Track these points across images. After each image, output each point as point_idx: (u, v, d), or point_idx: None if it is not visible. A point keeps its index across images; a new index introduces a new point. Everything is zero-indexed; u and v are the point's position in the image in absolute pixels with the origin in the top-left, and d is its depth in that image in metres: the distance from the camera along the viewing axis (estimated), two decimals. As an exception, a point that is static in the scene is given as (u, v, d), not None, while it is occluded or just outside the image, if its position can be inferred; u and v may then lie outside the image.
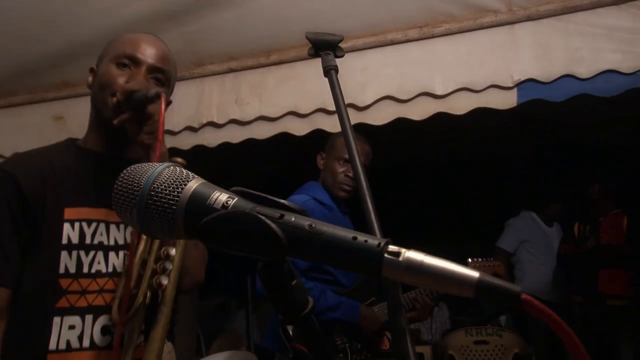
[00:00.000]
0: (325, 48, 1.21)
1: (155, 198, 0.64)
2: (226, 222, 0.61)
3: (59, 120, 3.17)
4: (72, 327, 1.35)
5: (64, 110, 3.16)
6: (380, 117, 2.65)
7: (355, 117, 2.68)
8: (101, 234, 1.42)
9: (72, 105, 3.15)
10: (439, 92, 2.52)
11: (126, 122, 1.37)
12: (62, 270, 1.36)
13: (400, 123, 2.62)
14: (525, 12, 2.41)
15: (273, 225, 0.60)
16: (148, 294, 1.32)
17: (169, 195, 0.64)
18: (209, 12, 2.68)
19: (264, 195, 0.64)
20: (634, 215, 4.17)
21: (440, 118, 2.54)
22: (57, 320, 1.34)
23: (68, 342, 1.34)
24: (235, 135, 2.84)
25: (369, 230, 0.88)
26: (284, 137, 2.80)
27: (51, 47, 2.90)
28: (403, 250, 0.57)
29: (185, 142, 2.95)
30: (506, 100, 2.45)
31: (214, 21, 2.72)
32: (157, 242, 1.34)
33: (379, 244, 0.58)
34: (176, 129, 2.95)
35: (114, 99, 1.39)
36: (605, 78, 2.32)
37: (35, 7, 2.70)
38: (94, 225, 1.41)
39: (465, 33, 2.51)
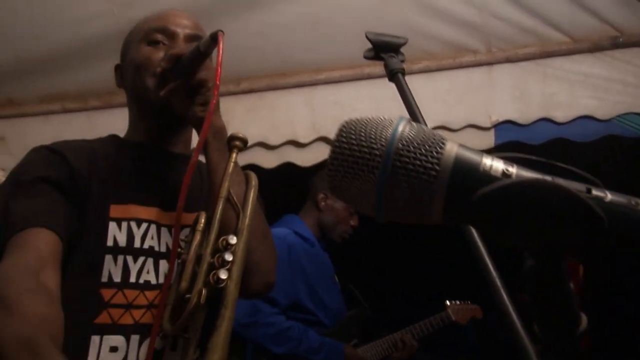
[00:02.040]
0: (388, 50, 1.10)
1: (407, 158, 0.47)
2: (517, 195, 0.44)
3: (0, 141, 2.91)
4: (114, 350, 1.09)
5: (7, 129, 2.90)
6: (353, 152, 2.57)
7: (327, 151, 2.57)
8: (152, 238, 1.18)
9: (17, 124, 2.90)
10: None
11: (174, 92, 1.16)
12: (104, 278, 1.11)
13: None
14: (504, 54, 2.42)
15: (591, 202, 0.43)
16: (204, 293, 1.02)
17: (426, 154, 0.47)
18: (177, 34, 2.55)
19: (546, 160, 0.48)
20: (587, 264, 4.20)
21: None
22: (95, 339, 1.08)
23: None
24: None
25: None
26: (252, 168, 2.67)
27: (-4, 61, 2.68)
28: None
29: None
30: (484, 141, 2.43)
31: (182, 45, 2.59)
32: (213, 234, 1.08)
33: None
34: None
35: (158, 70, 1.20)
36: (581, 123, 2.34)
37: (-18, 16, 2.49)
38: (144, 226, 1.17)
39: (444, 71, 2.48)
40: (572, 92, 2.36)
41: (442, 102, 2.48)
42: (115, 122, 2.78)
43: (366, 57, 1.14)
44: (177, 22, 1.28)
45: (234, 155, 1.18)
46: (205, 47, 1.10)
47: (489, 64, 2.44)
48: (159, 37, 1.26)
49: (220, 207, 1.09)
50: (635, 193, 0.46)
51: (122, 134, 2.72)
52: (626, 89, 2.30)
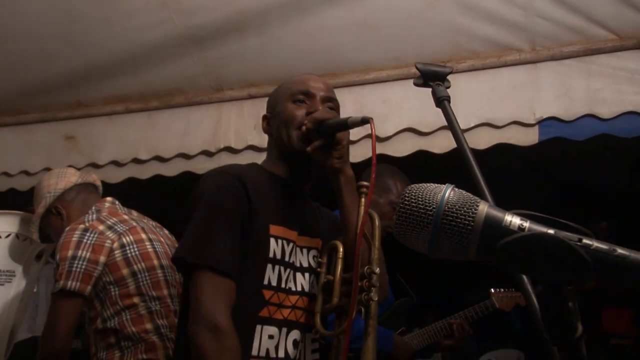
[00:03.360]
0: (435, 79, 1.23)
1: (451, 217, 0.67)
2: (528, 244, 0.63)
3: (70, 140, 3.13)
4: (271, 337, 1.44)
5: (76, 129, 3.13)
6: (400, 148, 2.67)
7: (376, 148, 2.69)
8: (294, 254, 1.52)
9: (84, 124, 3.13)
10: (461, 126, 2.54)
11: (317, 149, 1.46)
12: (266, 281, 1.44)
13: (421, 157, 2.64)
14: (549, 52, 2.46)
15: (580, 249, 0.61)
16: (362, 310, 1.40)
17: (464, 215, 0.67)
18: (232, 39, 2.69)
19: (552, 217, 0.66)
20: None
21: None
22: (258, 328, 1.42)
23: (267, 351, 1.43)
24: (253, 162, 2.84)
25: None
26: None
27: (68, 67, 2.89)
28: None
29: (201, 166, 2.93)
30: (528, 137, 2.49)
31: (236, 48, 2.73)
32: (359, 263, 1.38)
33: None
34: (191, 153, 2.94)
35: (303, 128, 1.49)
36: (626, 119, 2.36)
37: (54, 26, 2.70)
38: (291, 245, 1.51)
39: (489, 70, 2.55)
40: (617, 89, 2.38)
41: (487, 99, 2.55)
42: (173, 121, 3.01)
43: (416, 85, 1.29)
44: (316, 87, 1.60)
45: (362, 199, 1.50)
46: (352, 123, 1.42)
47: (533, 62, 2.49)
48: (302, 97, 1.58)
49: (358, 242, 1.39)
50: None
51: (179, 131, 2.89)
52: (671, 85, 2.32)
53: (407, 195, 0.71)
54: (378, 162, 2.67)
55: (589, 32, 2.40)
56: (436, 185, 0.71)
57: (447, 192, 0.69)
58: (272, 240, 1.46)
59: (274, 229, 1.47)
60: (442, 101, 1.21)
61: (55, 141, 3.14)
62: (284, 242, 1.49)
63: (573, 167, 3.88)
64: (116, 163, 3.05)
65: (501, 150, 2.56)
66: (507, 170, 3.65)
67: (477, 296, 2.94)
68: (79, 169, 3.02)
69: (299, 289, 1.51)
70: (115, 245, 2.03)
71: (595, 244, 0.62)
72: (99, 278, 1.99)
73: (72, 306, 1.96)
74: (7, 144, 3.20)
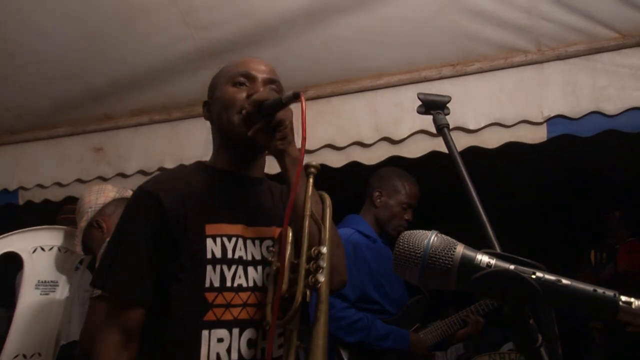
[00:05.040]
0: (435, 108, 1.34)
1: (434, 259, 0.85)
2: (493, 278, 0.81)
3: (99, 152, 3.29)
4: (220, 340, 1.38)
5: (104, 141, 3.29)
6: (414, 150, 2.77)
7: (390, 150, 2.81)
8: (240, 249, 1.45)
9: (112, 136, 3.28)
10: (471, 127, 2.64)
11: (258, 131, 1.41)
12: (207, 284, 1.39)
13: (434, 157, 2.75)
14: (554, 52, 2.55)
15: (532, 281, 0.79)
16: (308, 293, 1.29)
17: (444, 257, 0.85)
18: (249, 50, 2.81)
19: (513, 255, 0.84)
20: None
21: (472, 153, 2.65)
22: (205, 333, 1.37)
23: (218, 355, 1.37)
24: (270, 168, 2.95)
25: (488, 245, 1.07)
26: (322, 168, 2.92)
27: (94, 82, 3.04)
28: (633, 299, 0.76)
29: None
30: (536, 135, 2.58)
31: (253, 58, 2.85)
32: (305, 245, 1.34)
33: (615, 294, 0.76)
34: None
35: (243, 112, 1.44)
36: (631, 115, 2.45)
37: (81, 45, 2.83)
38: (233, 240, 1.45)
39: (497, 71, 2.64)
40: (622, 85, 2.46)
41: (495, 100, 2.64)
42: (195, 130, 3.16)
43: (419, 112, 1.38)
44: (257, 68, 1.54)
45: (311, 180, 1.43)
46: (287, 100, 1.36)
47: (540, 62, 2.57)
48: (242, 79, 1.52)
49: (305, 224, 1.36)
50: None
51: (201, 139, 3.01)
52: (674, 80, 2.39)
53: (400, 241, 0.89)
54: (390, 165, 2.81)
55: (592, 32, 2.48)
56: (424, 232, 0.89)
57: (432, 239, 0.88)
58: (209, 241, 1.41)
59: (210, 229, 1.42)
60: (441, 129, 1.32)
61: (84, 153, 3.30)
62: (224, 239, 1.43)
63: (583, 162, 3.95)
64: (143, 172, 3.20)
65: (512, 147, 2.65)
66: (519, 165, 3.73)
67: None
68: (107, 179, 3.19)
69: (251, 284, 1.44)
70: None
71: (545, 276, 0.80)
72: None
73: None
74: (40, 158, 3.38)
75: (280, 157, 1.43)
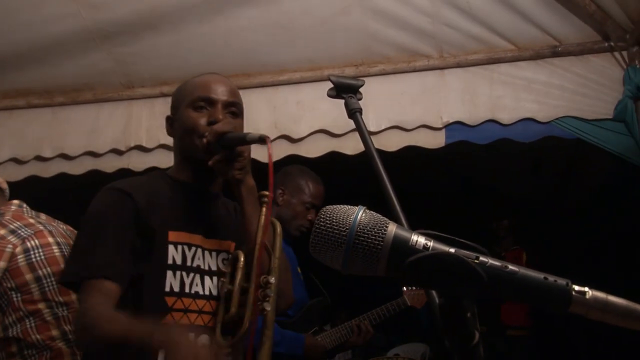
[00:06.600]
0: (348, 91, 1.26)
1: (362, 238, 0.70)
2: (431, 261, 0.68)
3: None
4: None
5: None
6: (313, 149, 2.71)
7: (288, 149, 2.73)
8: (199, 258, 1.52)
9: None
10: (371, 129, 2.61)
11: (218, 162, 1.47)
12: (167, 288, 1.45)
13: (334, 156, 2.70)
14: (455, 59, 2.59)
15: (476, 266, 0.67)
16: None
17: (374, 235, 0.71)
18: (145, 35, 2.64)
19: (454, 237, 0.71)
20: (530, 251, 4.52)
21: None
22: None
23: None
24: (165, 161, 2.77)
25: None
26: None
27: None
28: (587, 289, 0.67)
29: (110, 164, 2.85)
30: (435, 140, 2.60)
31: (149, 44, 2.68)
32: (255, 273, 1.42)
33: (567, 283, 0.67)
34: (100, 151, 2.85)
35: (204, 140, 1.49)
36: (524, 125, 2.53)
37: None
38: (193, 249, 1.52)
39: (399, 74, 2.64)
40: (516, 96, 2.54)
41: (397, 103, 2.64)
42: (80, 118, 2.90)
43: (329, 96, 1.32)
44: (217, 91, 1.57)
45: (264, 209, 1.50)
46: (251, 140, 1.43)
47: (441, 68, 2.61)
48: (202, 104, 1.55)
49: (257, 252, 1.44)
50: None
51: (86, 128, 2.79)
52: (564, 94, 2.49)
53: (322, 216, 0.74)
54: (289, 163, 2.73)
55: (491, 42, 2.55)
56: (349, 207, 0.74)
57: (359, 214, 0.73)
58: (171, 247, 1.48)
59: (173, 235, 1.49)
60: (354, 113, 1.26)
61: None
62: (185, 247, 1.50)
63: (478, 169, 4.08)
64: (16, 160, 2.90)
65: (411, 151, 2.66)
66: (417, 171, 3.79)
67: (389, 292, 3.03)
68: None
69: (207, 292, 1.52)
70: (18, 249, 1.94)
71: (490, 261, 0.69)
72: None
73: None
74: None
75: (237, 185, 1.50)
